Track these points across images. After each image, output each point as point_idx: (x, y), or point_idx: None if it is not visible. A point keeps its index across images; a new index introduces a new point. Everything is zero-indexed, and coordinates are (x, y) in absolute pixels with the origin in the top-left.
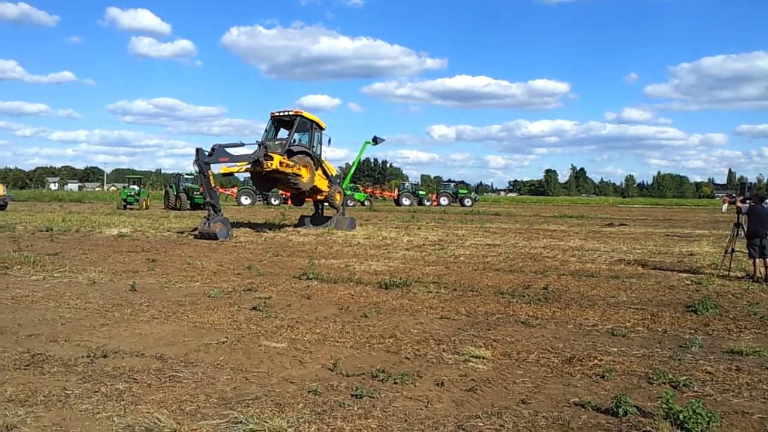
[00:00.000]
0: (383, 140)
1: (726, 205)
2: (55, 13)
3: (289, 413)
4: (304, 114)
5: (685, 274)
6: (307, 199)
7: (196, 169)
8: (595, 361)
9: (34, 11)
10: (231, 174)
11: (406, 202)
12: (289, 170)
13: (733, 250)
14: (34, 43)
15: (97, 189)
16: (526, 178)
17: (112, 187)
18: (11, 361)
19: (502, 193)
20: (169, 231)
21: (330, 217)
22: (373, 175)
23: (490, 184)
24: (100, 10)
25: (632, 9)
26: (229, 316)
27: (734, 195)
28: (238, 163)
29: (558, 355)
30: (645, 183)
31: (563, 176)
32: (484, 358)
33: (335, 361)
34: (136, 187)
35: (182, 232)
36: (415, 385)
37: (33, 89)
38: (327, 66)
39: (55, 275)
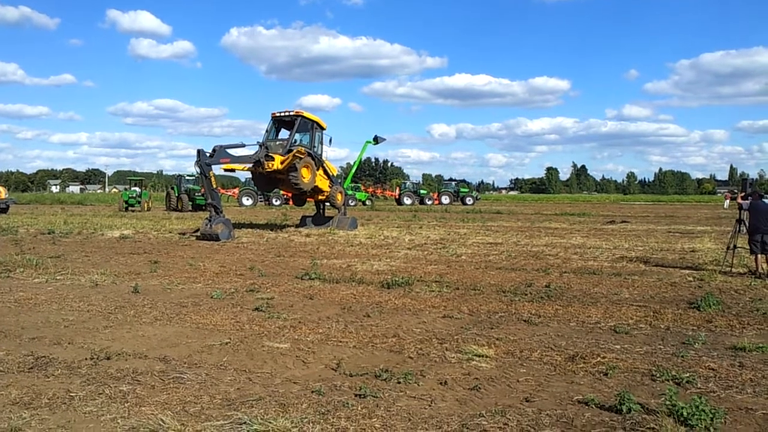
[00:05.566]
0: (384, 139)
1: (728, 201)
2: (55, 15)
3: (293, 413)
4: (305, 114)
5: (687, 271)
6: (308, 199)
7: (198, 170)
8: (598, 358)
9: (34, 14)
10: (233, 171)
11: (407, 201)
12: (290, 162)
13: (735, 247)
14: (34, 46)
15: (98, 191)
16: (527, 176)
17: (114, 189)
18: (15, 363)
19: (504, 191)
20: (170, 232)
21: (331, 217)
22: (374, 174)
23: (491, 182)
24: (100, 13)
25: (630, 5)
26: (232, 317)
27: (736, 191)
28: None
29: (561, 353)
30: (646, 180)
31: (564, 174)
32: (487, 356)
33: (338, 361)
34: (137, 189)
35: (184, 234)
36: (418, 385)
37: (34, 92)
38: (327, 66)
39: (58, 278)
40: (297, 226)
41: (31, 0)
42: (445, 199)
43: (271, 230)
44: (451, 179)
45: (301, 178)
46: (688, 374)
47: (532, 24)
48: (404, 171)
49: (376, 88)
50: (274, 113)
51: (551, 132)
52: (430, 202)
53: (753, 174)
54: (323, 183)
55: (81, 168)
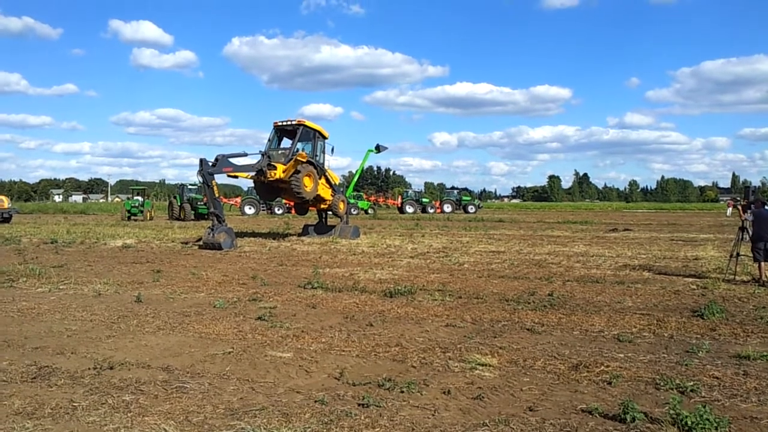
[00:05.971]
0: (386, 148)
1: (730, 208)
2: (58, 26)
3: (296, 423)
4: (307, 123)
5: (690, 279)
6: (310, 208)
7: (200, 179)
8: (602, 367)
9: (37, 24)
10: (236, 177)
11: (409, 209)
12: (292, 171)
13: (738, 254)
14: (37, 56)
15: (101, 200)
16: (529, 185)
17: (117, 199)
18: (18, 373)
19: (506, 199)
20: (173, 242)
21: (334, 226)
22: (376, 183)
23: (493, 190)
24: (102, 23)
25: (632, 13)
26: (235, 327)
27: (738, 198)
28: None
29: (564, 362)
30: (649, 188)
31: (566, 182)
32: (490, 365)
33: (341, 371)
34: (140, 198)
35: (187, 243)
36: (421, 394)
37: (37, 102)
38: (328, 75)
39: (61, 287)
40: (299, 235)
41: (34, 10)
42: (448, 207)
43: (274, 239)
44: (453, 187)
45: (303, 186)
46: (692, 383)
47: (533, 32)
48: (406, 179)
49: (377, 97)
50: (276, 122)
51: (553, 140)
52: (432, 211)
53: (756, 181)
54: (325, 192)
55: (84, 177)
